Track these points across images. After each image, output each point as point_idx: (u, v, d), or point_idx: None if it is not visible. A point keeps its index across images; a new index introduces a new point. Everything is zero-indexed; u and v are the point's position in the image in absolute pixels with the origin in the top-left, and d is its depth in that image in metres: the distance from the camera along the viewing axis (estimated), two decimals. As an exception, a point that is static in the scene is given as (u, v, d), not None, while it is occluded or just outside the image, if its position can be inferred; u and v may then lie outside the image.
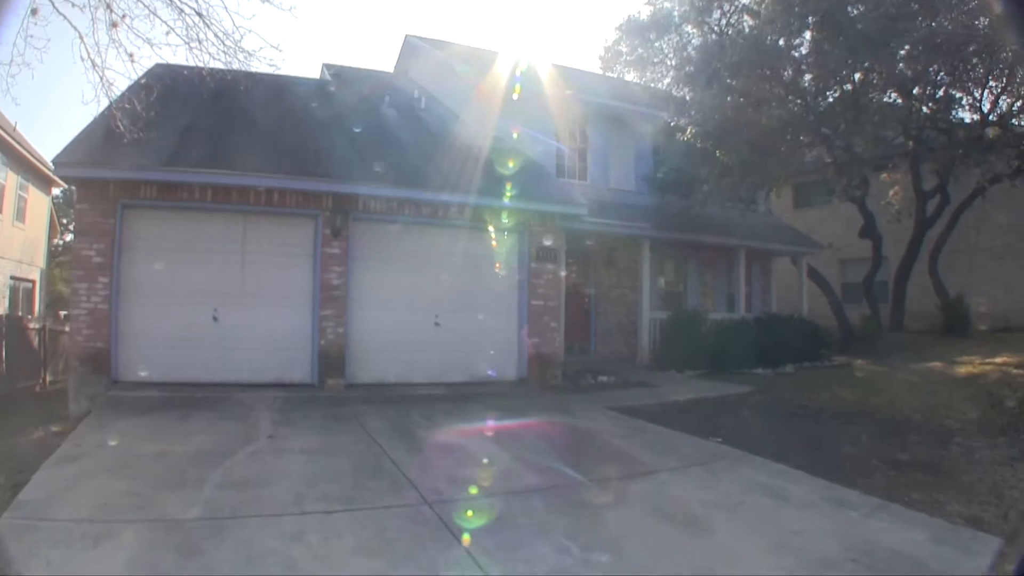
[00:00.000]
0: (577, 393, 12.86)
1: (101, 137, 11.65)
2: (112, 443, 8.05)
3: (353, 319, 12.10)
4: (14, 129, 18.67)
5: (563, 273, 14.17)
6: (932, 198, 20.05)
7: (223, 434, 8.61)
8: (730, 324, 16.40)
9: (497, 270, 13.47)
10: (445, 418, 10.16)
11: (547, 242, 13.56)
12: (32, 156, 21.08)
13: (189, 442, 8.14)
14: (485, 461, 7.86)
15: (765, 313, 17.68)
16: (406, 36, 20.87)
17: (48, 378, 17.80)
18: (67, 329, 20.74)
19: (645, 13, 19.80)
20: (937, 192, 19.68)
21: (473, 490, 6.62)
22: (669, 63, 19.19)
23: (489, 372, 13.18)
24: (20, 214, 21.55)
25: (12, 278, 20.85)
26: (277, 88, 15.60)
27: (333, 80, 18.09)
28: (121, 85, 11.62)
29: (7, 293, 20.25)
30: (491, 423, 9.81)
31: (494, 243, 13.52)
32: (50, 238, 25.33)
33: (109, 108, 13.02)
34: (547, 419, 10.32)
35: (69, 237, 36.28)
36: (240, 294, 11.72)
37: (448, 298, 12.92)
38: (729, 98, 15.04)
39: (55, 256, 28.09)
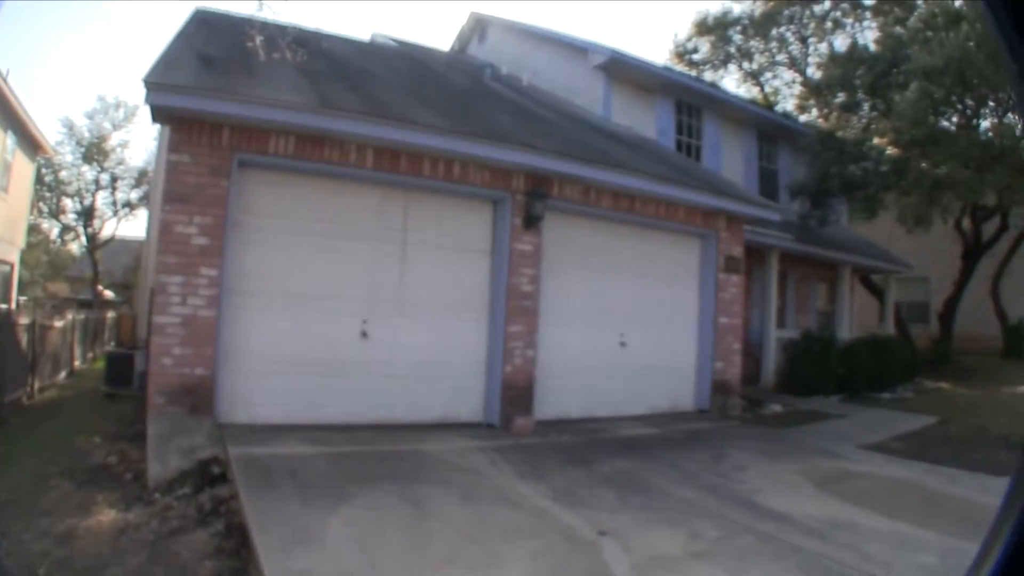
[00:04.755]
0: (773, 426, 9.42)
1: (195, 65, 7.27)
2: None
3: (542, 338, 8.06)
4: (6, 78, 12.99)
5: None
6: (987, 221, 17.67)
7: (528, 536, 4.66)
8: (844, 346, 13.26)
9: (681, 280, 9.78)
10: (733, 471, 6.65)
11: (734, 250, 9.92)
12: (23, 111, 14.99)
13: (508, 561, 4.18)
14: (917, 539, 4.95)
15: (870, 335, 14.60)
16: (472, 12, 16.72)
17: (36, 385, 12.54)
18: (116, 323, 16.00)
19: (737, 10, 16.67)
20: (995, 216, 17.32)
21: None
22: (757, 59, 16.01)
23: (669, 401, 9.48)
24: (3, 181, 15.24)
25: (-9, 259, 14.89)
26: (364, 51, 11.31)
27: (401, 49, 13.72)
28: None
29: (-14, 278, 14.38)
30: (794, 475, 6.65)
31: (679, 248, 9.81)
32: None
33: (184, 33, 8.60)
34: (839, 466, 7.31)
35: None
36: (396, 300, 7.48)
37: (632, 313, 9.18)
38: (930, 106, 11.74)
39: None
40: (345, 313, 7.20)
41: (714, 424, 9.06)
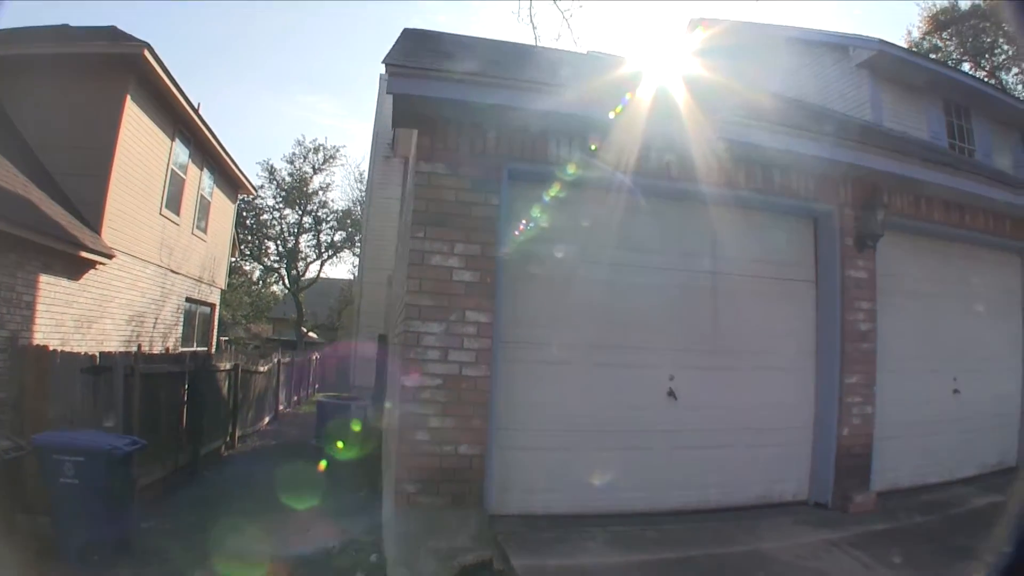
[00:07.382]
0: None
1: (435, 59, 6.04)
2: None
3: (878, 389, 6.08)
4: (197, 109, 12.63)
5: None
6: None
7: None
8: None
9: (1001, 308, 7.62)
10: None
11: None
12: (219, 146, 14.31)
13: None
14: None
15: None
16: (690, 19, 15.03)
17: (237, 433, 11.82)
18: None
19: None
20: None
21: None
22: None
23: (995, 456, 7.37)
24: (201, 222, 14.75)
25: (188, 300, 14.42)
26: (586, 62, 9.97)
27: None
28: None
29: (181, 319, 13.97)
30: None
31: (1001, 269, 7.70)
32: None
33: (402, 43, 7.46)
34: None
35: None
36: (708, 349, 5.73)
37: (961, 352, 7.08)
38: None
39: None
40: (646, 367, 5.52)
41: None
